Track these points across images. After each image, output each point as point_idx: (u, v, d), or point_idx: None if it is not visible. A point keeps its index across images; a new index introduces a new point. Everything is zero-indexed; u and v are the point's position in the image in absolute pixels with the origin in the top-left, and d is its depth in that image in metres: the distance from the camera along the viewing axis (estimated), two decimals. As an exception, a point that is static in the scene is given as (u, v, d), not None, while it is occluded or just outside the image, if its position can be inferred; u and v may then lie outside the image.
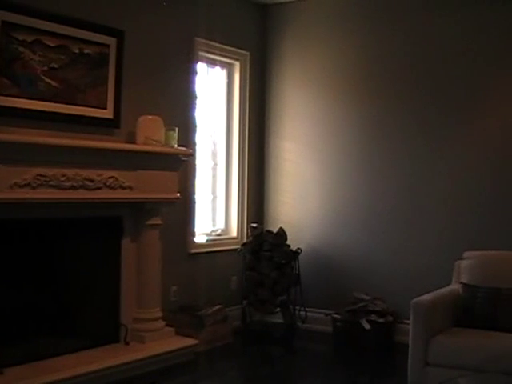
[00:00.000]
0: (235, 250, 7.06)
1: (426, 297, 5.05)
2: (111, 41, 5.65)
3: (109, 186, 5.38)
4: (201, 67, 6.91)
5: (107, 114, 5.67)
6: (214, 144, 7.31)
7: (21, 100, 4.99)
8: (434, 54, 6.58)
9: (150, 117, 5.82)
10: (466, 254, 5.60)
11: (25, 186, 4.76)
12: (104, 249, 5.74)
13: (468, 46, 6.40)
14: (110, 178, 5.38)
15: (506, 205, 6.20)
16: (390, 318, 6.49)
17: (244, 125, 7.42)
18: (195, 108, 6.72)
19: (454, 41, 6.47)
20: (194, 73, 6.70)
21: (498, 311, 5.03)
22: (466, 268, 5.47)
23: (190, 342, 5.94)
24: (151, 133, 5.76)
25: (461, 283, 5.39)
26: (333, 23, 7.20)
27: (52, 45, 5.19)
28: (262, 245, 6.86)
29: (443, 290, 5.37)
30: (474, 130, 6.40)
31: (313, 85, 7.31)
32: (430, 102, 6.61)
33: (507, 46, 6.22)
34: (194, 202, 6.75)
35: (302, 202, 7.37)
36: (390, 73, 6.84)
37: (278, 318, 7.02)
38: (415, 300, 4.96)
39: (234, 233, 7.41)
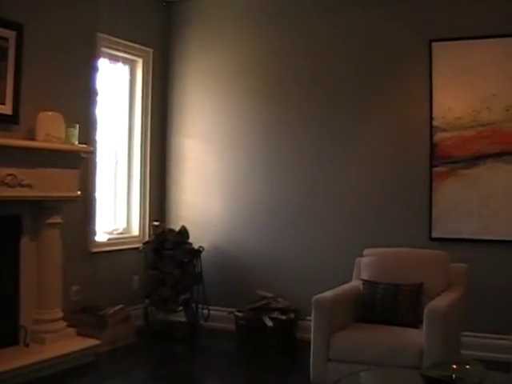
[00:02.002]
0: (137, 248, 7.01)
1: (327, 293, 5.12)
2: (10, 34, 5.50)
3: (7, 184, 5.22)
4: (103, 63, 6.80)
5: (6, 109, 5.51)
6: (116, 141, 7.21)
7: None
8: (334, 52, 6.74)
9: (50, 113, 5.69)
10: (366, 251, 5.70)
11: None
12: (2, 248, 5.57)
13: (367, 45, 6.59)
14: (8, 175, 5.23)
15: (403, 203, 6.42)
16: (292, 315, 6.57)
17: (146, 122, 7.35)
18: (96, 105, 6.61)
19: (355, 40, 6.65)
20: (96, 69, 6.59)
21: (397, 306, 5.16)
22: (366, 265, 5.59)
23: (91, 342, 5.84)
24: (51, 129, 5.64)
25: (361, 280, 5.49)
26: (236, 21, 7.23)
27: None
28: (164, 243, 6.83)
29: (344, 287, 5.46)
30: (372, 129, 6.58)
31: (216, 82, 7.32)
32: (330, 100, 6.76)
33: (405, 46, 6.42)
34: (95, 201, 6.64)
35: (204, 200, 7.36)
36: (292, 71, 6.94)
37: (181, 317, 7.00)
38: (316, 297, 5.02)
39: (135, 231, 7.34)
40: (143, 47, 7.25)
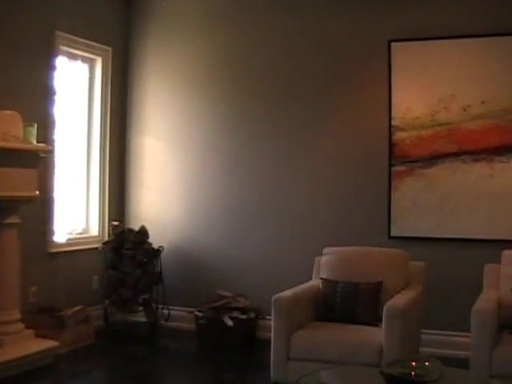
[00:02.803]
0: (96, 248, 6.96)
1: (287, 292, 5.14)
2: (-34, 33, 5.43)
3: (-36, 184, 5.15)
4: (61, 62, 6.73)
5: (-38, 108, 5.44)
6: (75, 141, 7.13)
7: None
8: (294, 53, 6.77)
9: (7, 112, 5.60)
10: (326, 250, 5.73)
11: None
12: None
13: (327, 45, 6.65)
14: (-35, 174, 5.16)
15: (363, 202, 6.48)
16: (253, 315, 6.58)
17: (105, 121, 7.29)
18: (55, 104, 6.54)
19: (315, 40, 6.70)
20: (54, 67, 6.52)
21: (356, 305, 5.20)
22: (326, 264, 5.61)
23: (50, 344, 5.77)
24: (9, 129, 5.55)
25: (321, 278, 5.52)
26: (197, 20, 7.21)
27: None
28: (124, 243, 6.80)
29: (304, 286, 5.48)
30: (331, 129, 6.63)
31: (176, 81, 7.29)
32: (290, 101, 6.78)
33: (365, 46, 6.47)
34: (54, 201, 6.57)
35: (164, 200, 7.33)
36: (253, 71, 6.95)
37: (141, 317, 6.99)
38: (276, 296, 5.04)
39: (95, 231, 7.27)
40: (102, 46, 7.18)
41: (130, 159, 7.53)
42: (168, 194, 7.31)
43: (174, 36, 7.30)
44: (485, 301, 4.89)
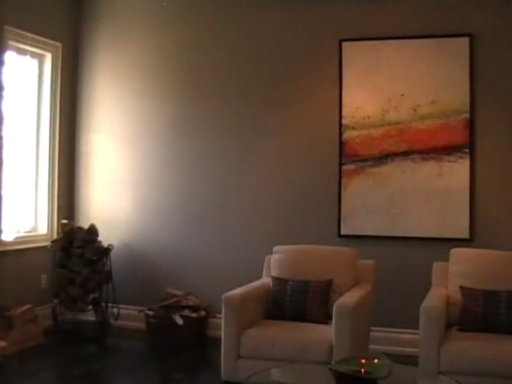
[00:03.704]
0: (45, 247, 6.86)
1: (237, 291, 5.15)
2: None
3: None
4: (10, 57, 6.61)
5: None
6: (23, 138, 7.03)
7: None
8: (246, 52, 6.78)
9: (-47, 108, 5.51)
10: (276, 248, 5.75)
11: None
12: None
13: (278, 44, 6.67)
14: None
15: (313, 201, 6.52)
16: (203, 313, 6.58)
17: (55, 118, 7.19)
18: (3, 99, 6.43)
19: (266, 39, 6.71)
20: (3, 62, 6.40)
21: (306, 303, 5.23)
22: (276, 262, 5.63)
23: (-3, 343, 5.70)
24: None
25: (271, 277, 5.54)
26: (147, 17, 7.16)
27: None
28: (73, 241, 6.74)
29: (254, 284, 5.50)
30: (282, 128, 6.65)
31: (126, 79, 7.23)
32: (241, 100, 6.79)
33: (316, 45, 6.50)
34: (1, 198, 6.46)
35: (114, 198, 7.27)
36: (204, 69, 6.94)
37: (91, 316, 6.93)
38: (226, 294, 5.04)
39: (43, 230, 7.17)
40: (52, 41, 7.08)
41: (80, 156, 7.44)
42: (118, 192, 7.25)
43: (125, 33, 7.23)
44: (433, 298, 4.96)
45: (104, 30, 7.33)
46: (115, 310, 6.92)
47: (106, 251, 6.86)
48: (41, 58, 7.14)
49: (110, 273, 6.88)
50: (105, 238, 6.90)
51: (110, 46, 7.31)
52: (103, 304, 6.88)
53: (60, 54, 7.21)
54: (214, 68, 6.88)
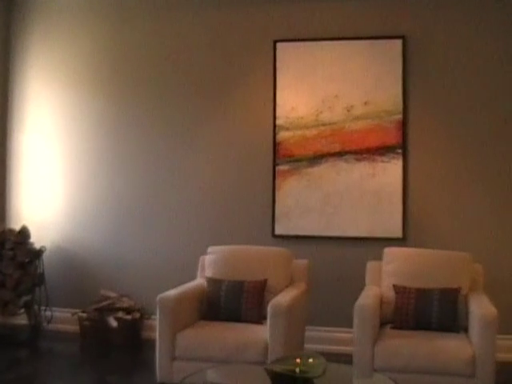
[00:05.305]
0: (-25, 249, 6.72)
1: (171, 292, 5.11)
2: None
3: None
4: None
5: None
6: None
7: None
8: (181, 52, 6.76)
9: None
10: (210, 248, 5.74)
11: None
12: None
13: (212, 44, 6.67)
14: None
15: (247, 201, 6.54)
16: (138, 315, 6.53)
17: (-16, 117, 7.06)
18: None
19: (201, 38, 6.70)
20: None
21: (241, 303, 5.23)
22: (210, 262, 5.62)
23: None
24: None
25: (206, 277, 5.52)
26: (78, 17, 7.05)
27: None
28: (4, 243, 6.61)
29: (189, 285, 5.47)
30: (217, 128, 6.65)
31: (58, 78, 7.11)
32: (176, 100, 6.76)
33: (251, 46, 6.52)
34: None
35: (47, 199, 7.14)
36: (133, 69, 6.90)
37: (23, 320, 6.79)
38: (161, 295, 5.01)
39: (-27, 231, 7.02)
40: (-19, 39, 6.95)
41: (11, 156, 7.29)
42: (51, 193, 7.13)
43: (56, 32, 7.11)
44: (367, 297, 5.02)
45: (35, 29, 7.14)
46: (48, 313, 6.82)
47: (39, 253, 6.75)
48: (-30, 56, 7.00)
49: (42, 275, 6.78)
50: (37, 239, 6.78)
51: (40, 45, 7.14)
52: (36, 307, 6.77)
53: (-10, 51, 7.07)
54: (147, 68, 6.83)
